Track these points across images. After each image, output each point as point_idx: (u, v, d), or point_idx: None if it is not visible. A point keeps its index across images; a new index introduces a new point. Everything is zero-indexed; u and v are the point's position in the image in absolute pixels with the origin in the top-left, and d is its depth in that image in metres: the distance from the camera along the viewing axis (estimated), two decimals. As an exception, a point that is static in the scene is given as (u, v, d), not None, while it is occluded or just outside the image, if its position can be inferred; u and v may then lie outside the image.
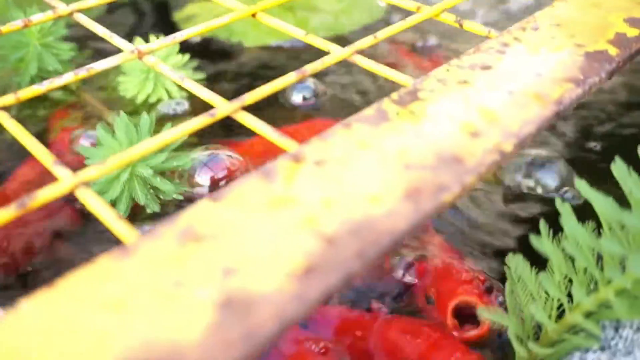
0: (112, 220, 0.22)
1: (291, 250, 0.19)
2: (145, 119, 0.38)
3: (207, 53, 0.60)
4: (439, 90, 0.27)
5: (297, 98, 0.50)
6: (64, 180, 0.23)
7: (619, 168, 0.24)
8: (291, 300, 0.18)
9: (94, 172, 0.24)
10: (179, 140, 0.37)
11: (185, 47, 0.49)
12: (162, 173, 0.39)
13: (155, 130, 0.38)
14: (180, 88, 0.48)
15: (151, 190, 0.38)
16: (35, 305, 0.17)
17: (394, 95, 0.27)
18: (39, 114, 0.49)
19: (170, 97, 0.47)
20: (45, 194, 0.23)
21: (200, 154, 0.40)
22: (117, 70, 0.49)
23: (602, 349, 0.24)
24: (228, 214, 0.21)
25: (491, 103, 0.26)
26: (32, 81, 0.48)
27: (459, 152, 0.23)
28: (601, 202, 0.23)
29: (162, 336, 0.17)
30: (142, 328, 0.17)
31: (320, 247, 0.19)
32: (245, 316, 0.17)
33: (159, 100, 0.47)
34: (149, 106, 0.48)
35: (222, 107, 0.27)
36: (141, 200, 0.38)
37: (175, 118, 0.48)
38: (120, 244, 0.20)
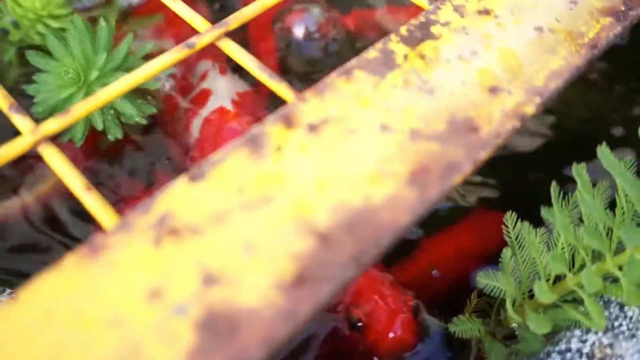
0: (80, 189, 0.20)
1: (279, 251, 0.17)
2: (103, 27, 0.32)
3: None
4: (455, 22, 0.23)
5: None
6: (26, 137, 0.21)
7: (604, 152, 0.21)
8: (279, 318, 0.16)
9: (56, 125, 0.21)
10: (151, 80, 0.27)
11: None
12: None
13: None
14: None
15: (112, 112, 0.33)
16: (-3, 317, 0.16)
17: (403, 30, 0.23)
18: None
19: None
20: (4, 152, 0.20)
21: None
22: None
23: (605, 330, 0.23)
24: (209, 199, 0.18)
25: (514, 44, 0.22)
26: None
27: (475, 115, 0.20)
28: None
29: (137, 364, 0.15)
30: (110, 354, 0.15)
31: (312, 247, 0.17)
32: (229, 339, 0.16)
33: None
34: None
35: (203, 36, 0.24)
36: (99, 125, 0.32)
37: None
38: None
